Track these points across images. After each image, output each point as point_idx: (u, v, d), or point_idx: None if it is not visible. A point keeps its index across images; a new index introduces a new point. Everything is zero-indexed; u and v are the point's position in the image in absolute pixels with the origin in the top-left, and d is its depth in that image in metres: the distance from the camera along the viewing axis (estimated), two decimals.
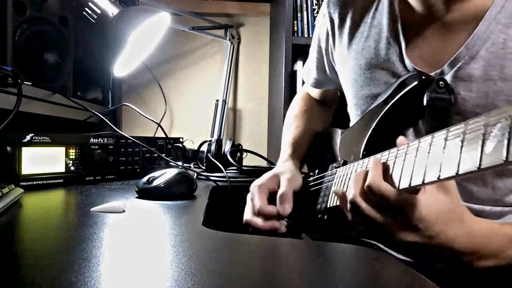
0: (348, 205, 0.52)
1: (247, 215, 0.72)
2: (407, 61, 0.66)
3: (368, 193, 0.49)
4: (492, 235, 0.51)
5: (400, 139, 0.52)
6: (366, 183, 0.49)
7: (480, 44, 0.59)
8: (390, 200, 0.47)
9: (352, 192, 0.51)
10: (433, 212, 0.47)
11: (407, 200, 0.47)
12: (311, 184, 0.77)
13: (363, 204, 0.50)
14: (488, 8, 0.59)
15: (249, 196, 0.75)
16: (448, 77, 0.61)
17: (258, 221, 0.69)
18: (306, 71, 0.96)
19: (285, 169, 0.78)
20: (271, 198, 0.72)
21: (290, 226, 0.71)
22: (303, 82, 1.02)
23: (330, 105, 1.00)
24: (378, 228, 0.50)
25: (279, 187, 0.73)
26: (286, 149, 0.87)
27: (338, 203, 0.62)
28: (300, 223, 0.73)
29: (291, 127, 0.93)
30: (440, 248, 0.49)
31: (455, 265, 0.52)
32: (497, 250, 0.51)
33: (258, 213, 0.70)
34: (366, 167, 0.54)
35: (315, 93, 1.00)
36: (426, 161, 0.43)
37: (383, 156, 0.53)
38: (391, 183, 0.48)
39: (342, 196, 0.55)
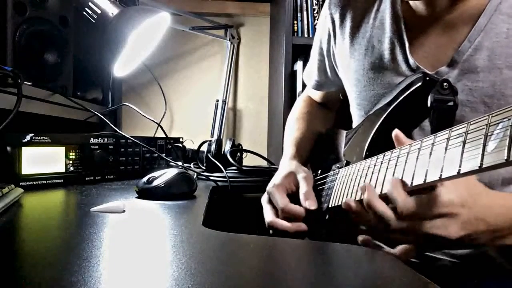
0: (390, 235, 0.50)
1: (269, 217, 0.70)
2: (411, 60, 0.66)
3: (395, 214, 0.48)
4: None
5: (396, 132, 0.52)
6: (404, 213, 0.47)
7: (483, 35, 0.60)
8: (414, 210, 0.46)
9: (393, 223, 0.49)
10: (454, 194, 0.47)
11: (425, 197, 0.46)
12: (314, 184, 0.77)
13: (404, 226, 0.48)
14: (489, 1, 0.60)
15: (264, 198, 0.73)
16: (453, 72, 0.62)
17: (284, 223, 0.67)
18: (308, 74, 0.96)
19: (297, 167, 0.76)
20: (289, 198, 0.71)
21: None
22: (303, 84, 1.02)
23: (332, 107, 1.00)
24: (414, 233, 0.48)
25: (296, 186, 0.72)
26: (289, 150, 0.86)
27: (340, 203, 0.62)
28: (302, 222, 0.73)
29: (294, 128, 0.93)
30: (469, 231, 0.47)
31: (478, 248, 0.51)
32: None
33: (282, 213, 0.67)
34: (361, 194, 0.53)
35: (317, 95, 1.00)
36: (428, 161, 0.43)
37: (385, 156, 0.53)
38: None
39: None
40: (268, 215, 0.70)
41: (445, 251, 0.63)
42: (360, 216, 0.53)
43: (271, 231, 0.69)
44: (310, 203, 0.67)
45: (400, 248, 0.50)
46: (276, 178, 0.74)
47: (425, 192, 0.47)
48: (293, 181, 0.73)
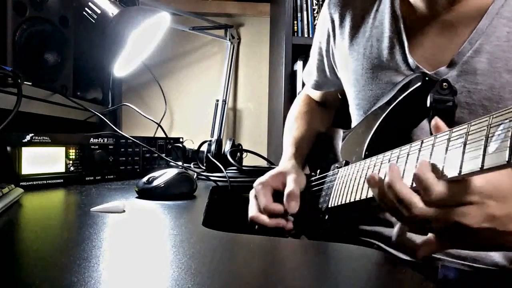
0: (417, 224, 0.45)
1: (252, 212, 0.71)
2: (410, 60, 0.66)
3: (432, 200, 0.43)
4: None
5: (436, 121, 0.47)
6: (433, 198, 0.42)
7: (484, 38, 0.60)
8: (454, 196, 0.42)
9: (418, 210, 0.44)
10: (485, 183, 0.41)
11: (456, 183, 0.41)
12: (312, 184, 0.77)
13: (434, 213, 0.43)
14: (490, 4, 0.60)
15: (252, 194, 0.74)
16: (453, 73, 0.61)
17: (264, 218, 0.68)
18: (307, 73, 0.96)
19: (290, 168, 0.77)
20: (275, 196, 0.71)
21: (293, 225, 0.70)
22: (303, 84, 1.02)
23: (331, 107, 1.00)
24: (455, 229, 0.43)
25: (283, 185, 0.72)
26: (288, 149, 0.86)
27: (340, 203, 0.62)
28: (301, 222, 0.73)
29: (293, 128, 0.93)
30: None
31: None
32: None
33: (264, 211, 0.69)
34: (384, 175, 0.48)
35: (316, 95, 1.00)
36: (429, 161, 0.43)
37: (385, 156, 0.53)
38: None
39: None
40: (252, 210, 0.72)
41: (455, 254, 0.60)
42: (380, 196, 0.48)
43: (256, 227, 0.70)
44: (292, 206, 0.67)
45: (423, 240, 0.46)
46: (264, 177, 0.75)
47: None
48: (282, 181, 0.73)
